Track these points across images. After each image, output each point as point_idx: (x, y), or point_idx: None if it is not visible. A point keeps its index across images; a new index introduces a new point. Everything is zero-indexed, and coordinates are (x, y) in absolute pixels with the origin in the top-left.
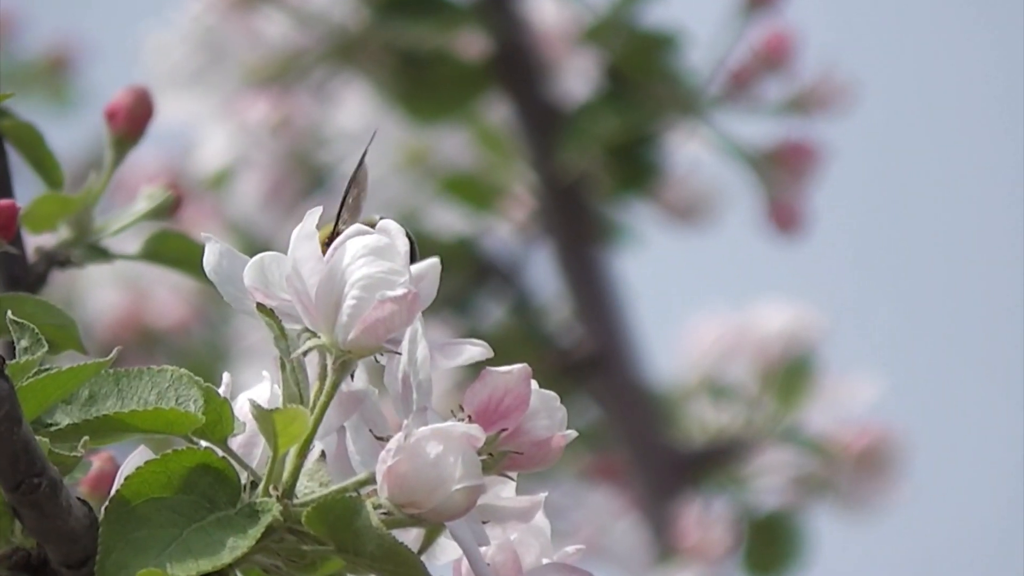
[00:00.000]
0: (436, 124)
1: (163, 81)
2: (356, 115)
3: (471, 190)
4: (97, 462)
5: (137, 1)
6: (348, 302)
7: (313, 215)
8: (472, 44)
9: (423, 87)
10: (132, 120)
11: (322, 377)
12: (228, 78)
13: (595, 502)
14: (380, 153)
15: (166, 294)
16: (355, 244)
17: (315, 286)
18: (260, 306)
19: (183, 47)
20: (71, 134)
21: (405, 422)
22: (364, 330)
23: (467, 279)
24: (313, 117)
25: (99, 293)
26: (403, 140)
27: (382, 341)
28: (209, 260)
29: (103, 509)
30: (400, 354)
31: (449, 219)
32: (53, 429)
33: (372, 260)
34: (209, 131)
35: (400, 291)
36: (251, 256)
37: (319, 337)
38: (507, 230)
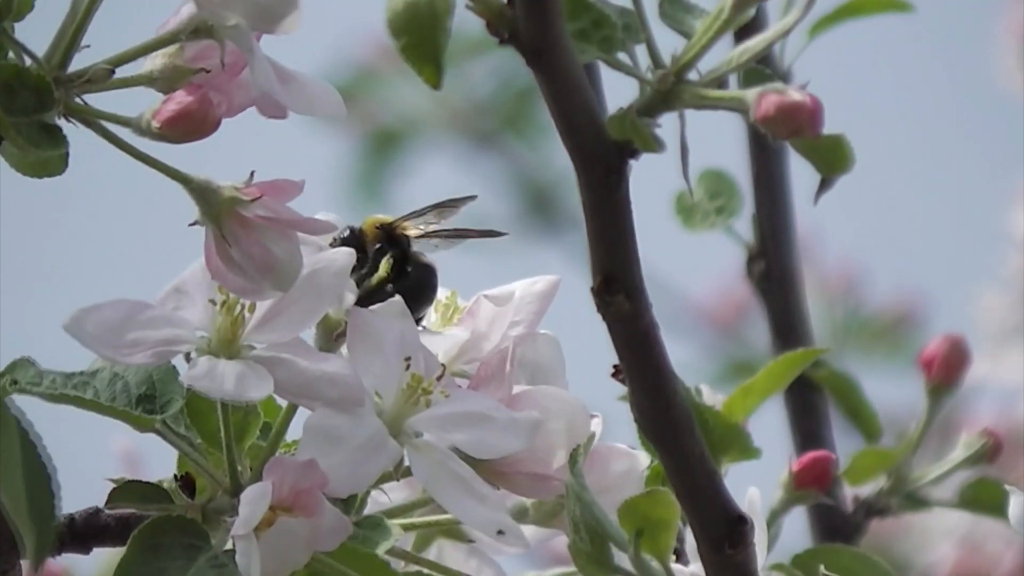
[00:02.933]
0: None
1: (993, 336)
2: None
3: None
4: None
5: (970, 255)
6: None
7: None
8: None
9: None
10: (947, 368)
11: None
12: None
13: None
14: None
15: (1000, 545)
16: None
17: None
18: None
19: (1012, 301)
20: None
21: None
22: None
23: None
24: None
25: (933, 545)
26: None
27: None
28: (1015, 511)
29: None
30: None
31: None
32: None
33: None
34: None
35: None
36: None
37: None
38: None
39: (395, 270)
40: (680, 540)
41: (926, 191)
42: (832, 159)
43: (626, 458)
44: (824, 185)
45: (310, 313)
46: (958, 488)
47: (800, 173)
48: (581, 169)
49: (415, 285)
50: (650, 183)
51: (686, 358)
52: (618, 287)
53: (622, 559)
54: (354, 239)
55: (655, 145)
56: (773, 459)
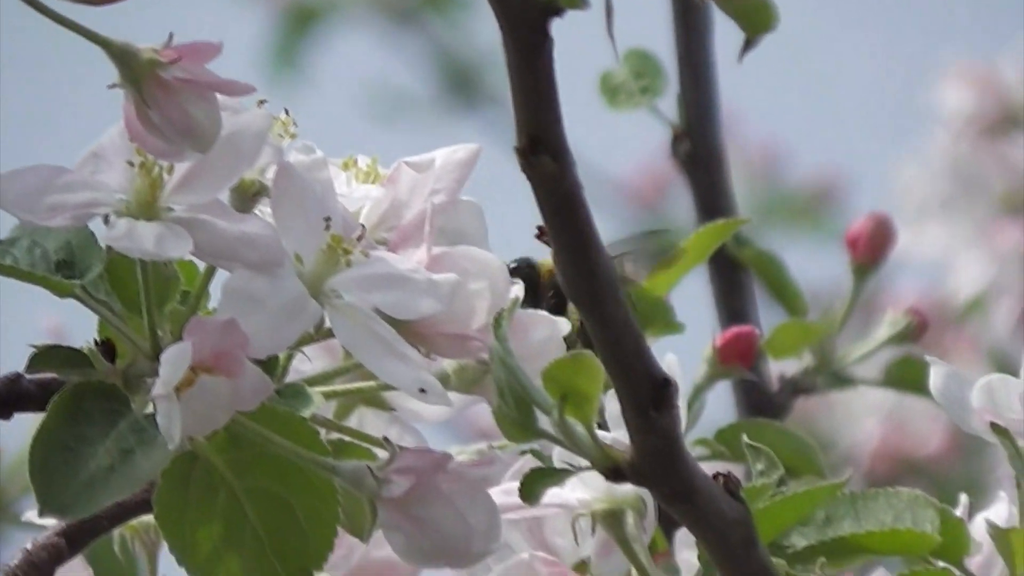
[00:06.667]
0: None
1: (915, 211)
2: None
3: None
4: None
5: (892, 134)
6: None
7: None
8: None
9: None
10: (872, 247)
11: None
12: (979, 207)
13: None
14: None
15: (926, 423)
16: None
17: None
18: (995, 425)
19: (934, 176)
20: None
21: None
22: None
23: None
24: None
25: (858, 423)
26: None
27: None
28: (935, 382)
29: None
30: None
31: None
32: (790, 551)
33: None
34: (961, 259)
35: None
36: None
37: None
38: None
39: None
40: (599, 411)
41: (851, 67)
42: (756, 18)
43: (547, 325)
44: (748, 45)
45: (229, 174)
46: (883, 366)
47: (725, 53)
48: (507, 29)
49: None
50: (575, 64)
51: (608, 233)
52: (543, 147)
53: (546, 423)
54: (529, 273)
55: (580, 2)
56: (699, 339)
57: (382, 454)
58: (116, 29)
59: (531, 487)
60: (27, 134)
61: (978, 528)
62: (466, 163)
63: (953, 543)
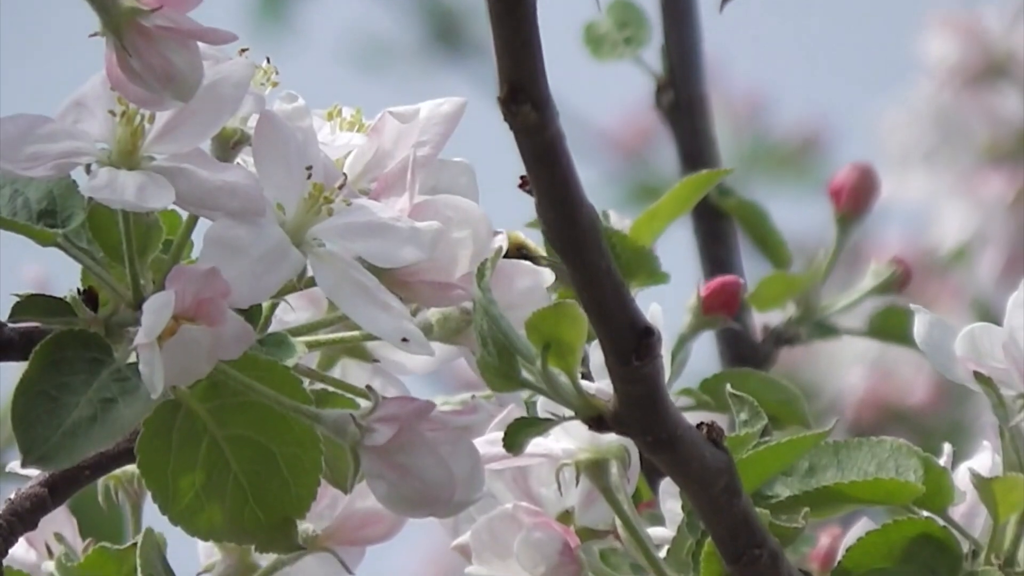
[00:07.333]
0: None
1: (898, 159)
2: None
3: None
4: (827, 538)
5: (877, 83)
6: None
7: None
8: None
9: None
10: (856, 198)
11: None
12: (963, 156)
13: None
14: None
15: (911, 372)
16: None
17: None
18: (978, 374)
19: (917, 125)
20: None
21: None
22: None
23: None
24: None
25: (843, 372)
26: None
27: None
28: (919, 330)
29: None
30: None
31: None
32: (773, 501)
33: None
34: (945, 209)
35: None
36: None
37: None
38: None
39: None
40: (583, 362)
41: (835, 16)
42: None
43: (530, 274)
44: None
45: (210, 124)
46: (867, 316)
47: (708, 2)
48: None
49: None
50: (559, 14)
51: (591, 182)
52: (524, 97)
53: (530, 373)
54: None
55: None
56: (683, 289)
57: (365, 404)
58: None
59: (515, 437)
60: (9, 84)
61: (962, 477)
62: (452, 116)
63: (936, 492)
